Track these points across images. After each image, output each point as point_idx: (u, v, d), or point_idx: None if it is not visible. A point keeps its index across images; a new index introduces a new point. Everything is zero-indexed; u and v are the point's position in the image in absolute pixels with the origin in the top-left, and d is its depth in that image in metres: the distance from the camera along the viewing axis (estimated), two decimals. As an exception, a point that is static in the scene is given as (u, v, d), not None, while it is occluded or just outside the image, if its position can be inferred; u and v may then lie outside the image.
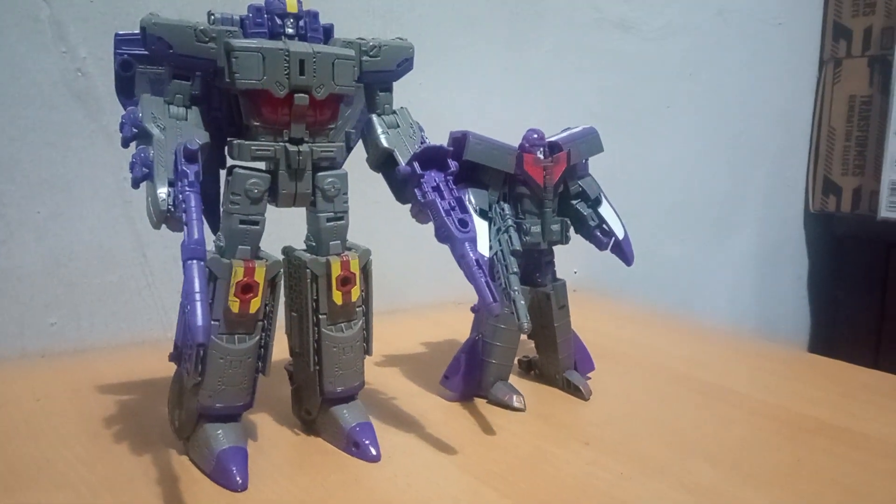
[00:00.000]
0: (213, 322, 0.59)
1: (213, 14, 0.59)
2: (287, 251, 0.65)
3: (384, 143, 0.64)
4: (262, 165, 0.61)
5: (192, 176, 0.51)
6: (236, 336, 0.60)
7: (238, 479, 0.58)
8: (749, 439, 0.71)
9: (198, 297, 0.46)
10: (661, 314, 1.21)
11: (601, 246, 0.81)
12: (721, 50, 1.53)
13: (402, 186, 0.64)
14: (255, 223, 0.60)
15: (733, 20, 1.54)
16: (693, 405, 0.79)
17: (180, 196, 0.50)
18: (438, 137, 0.71)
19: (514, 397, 0.76)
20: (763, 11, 1.58)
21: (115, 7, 0.87)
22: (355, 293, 0.64)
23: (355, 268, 0.63)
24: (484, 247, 0.70)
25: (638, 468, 0.63)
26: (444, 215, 0.60)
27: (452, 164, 0.64)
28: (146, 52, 0.56)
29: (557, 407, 0.78)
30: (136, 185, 0.53)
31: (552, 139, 0.79)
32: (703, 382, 0.86)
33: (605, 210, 0.81)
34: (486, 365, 0.78)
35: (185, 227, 0.49)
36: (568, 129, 0.82)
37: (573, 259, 1.38)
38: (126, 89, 0.59)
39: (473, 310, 0.79)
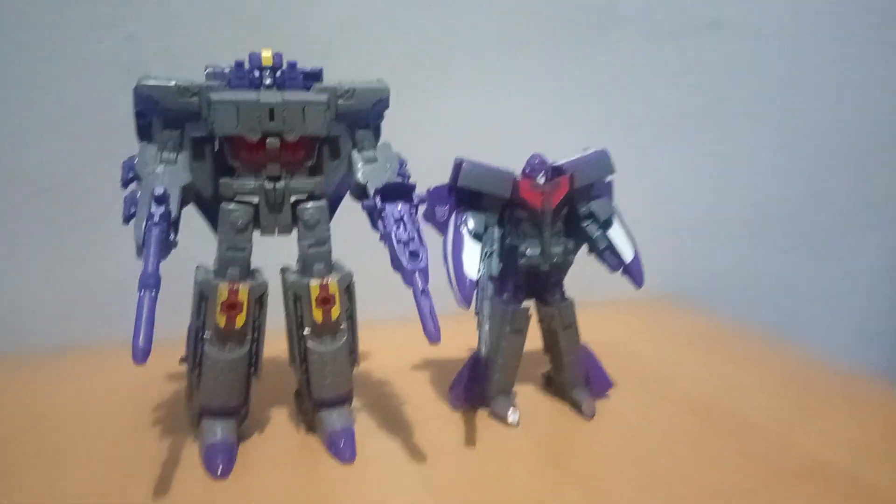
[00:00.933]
0: (205, 336, 0.69)
1: (208, 68, 0.68)
2: (282, 271, 0.74)
3: (358, 177, 0.70)
4: (249, 198, 0.69)
5: (157, 217, 0.60)
6: (227, 346, 0.70)
7: (219, 469, 0.68)
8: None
9: (143, 323, 0.56)
10: (740, 335, 1.14)
11: (610, 268, 0.81)
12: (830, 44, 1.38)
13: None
14: (242, 249, 0.69)
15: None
16: (704, 445, 0.76)
17: (144, 234, 0.60)
18: (503, 158, 0.76)
19: (510, 412, 0.79)
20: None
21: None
22: (335, 312, 0.71)
23: (334, 289, 0.70)
24: (472, 269, 0.74)
25: (591, 499, 0.65)
26: (394, 247, 0.65)
27: (420, 197, 0.68)
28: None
29: (554, 425, 0.80)
30: (125, 221, 0.63)
31: (559, 163, 0.80)
32: (734, 421, 0.81)
33: (614, 232, 0.81)
34: (489, 377, 0.82)
35: (143, 260, 0.58)
36: (586, 148, 0.82)
37: (658, 264, 1.34)
38: (144, 134, 0.69)
39: (478, 326, 0.83)
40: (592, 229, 0.80)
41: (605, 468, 0.70)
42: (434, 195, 0.78)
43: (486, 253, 0.75)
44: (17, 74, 0.97)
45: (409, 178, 0.72)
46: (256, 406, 0.79)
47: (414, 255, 0.64)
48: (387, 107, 0.71)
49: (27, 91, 0.98)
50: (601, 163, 0.81)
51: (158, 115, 0.66)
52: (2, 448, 0.74)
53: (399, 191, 0.68)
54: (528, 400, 0.86)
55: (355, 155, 0.71)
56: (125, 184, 0.65)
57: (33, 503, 0.64)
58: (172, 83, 0.65)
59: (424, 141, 1.08)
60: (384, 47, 1.12)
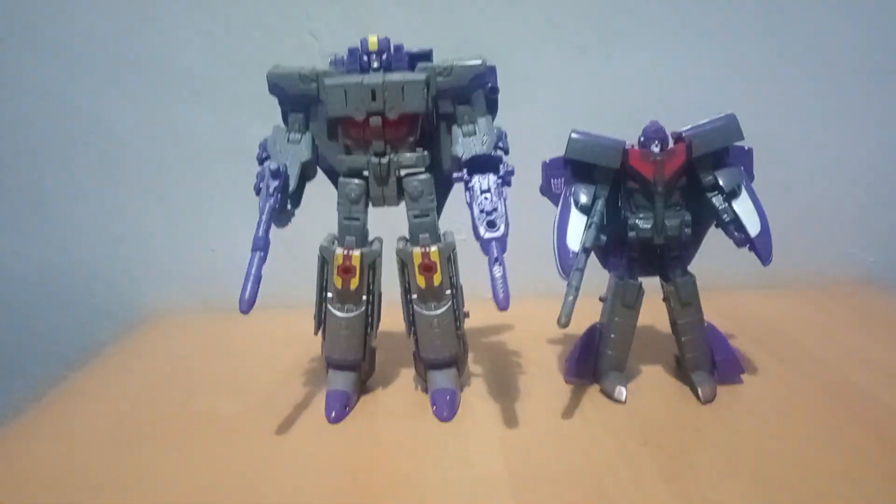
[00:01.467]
0: (328, 295, 0.78)
1: (330, 56, 0.76)
2: (398, 241, 0.80)
3: (455, 149, 0.74)
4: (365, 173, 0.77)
5: (272, 188, 0.70)
6: (346, 306, 0.78)
7: (332, 414, 0.76)
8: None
9: (251, 278, 0.66)
10: None
11: (737, 242, 0.76)
12: None
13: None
14: (356, 219, 0.76)
15: None
16: (831, 443, 0.68)
17: (261, 203, 0.70)
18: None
19: (618, 389, 0.78)
20: None
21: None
22: (437, 279, 0.76)
23: (435, 257, 0.75)
24: (574, 241, 0.74)
25: (670, 481, 0.63)
26: (474, 216, 0.68)
27: (508, 170, 0.70)
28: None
29: (665, 406, 0.77)
30: (256, 193, 0.74)
31: (680, 130, 0.76)
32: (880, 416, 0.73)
33: (741, 204, 0.75)
34: (601, 354, 0.81)
35: (257, 224, 0.68)
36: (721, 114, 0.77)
37: (871, 244, 1.19)
38: (285, 119, 0.79)
39: (601, 299, 0.83)
40: (718, 201, 0.76)
41: (701, 454, 0.67)
42: (549, 168, 0.79)
43: (587, 224, 0.74)
44: (222, 70, 1.15)
45: (507, 150, 0.74)
46: (382, 365, 0.87)
47: (491, 224, 0.67)
48: (485, 82, 0.74)
49: (228, 84, 1.15)
50: (727, 129, 0.75)
51: (286, 100, 0.75)
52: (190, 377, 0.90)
53: (487, 162, 0.70)
54: (650, 380, 0.83)
55: (455, 130, 0.75)
56: (260, 161, 0.75)
57: (198, 419, 0.78)
58: (294, 71, 0.74)
59: (556, 114, 1.09)
60: (545, 5, 1.12)
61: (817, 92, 1.14)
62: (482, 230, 0.67)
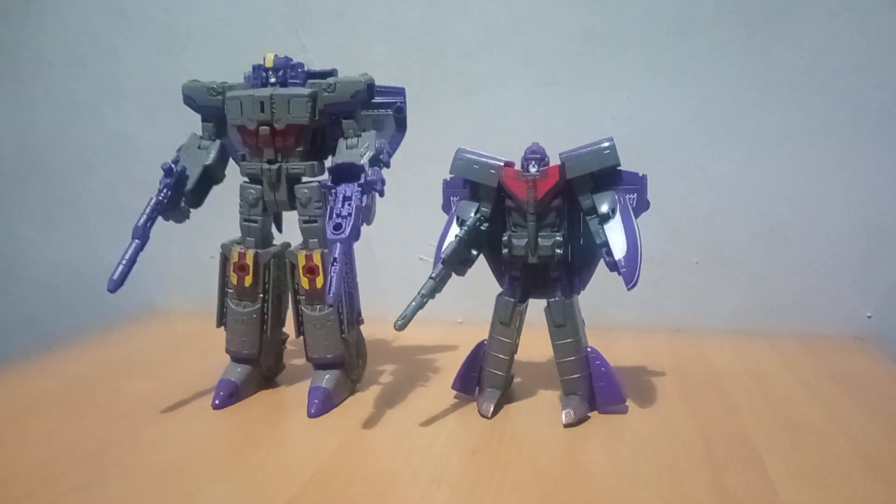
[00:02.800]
0: (228, 290, 0.84)
1: (245, 73, 0.84)
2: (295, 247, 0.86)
3: (332, 161, 0.79)
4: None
5: (162, 185, 0.78)
6: (242, 302, 0.84)
7: (216, 401, 0.82)
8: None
9: (123, 261, 0.74)
10: None
11: (608, 266, 0.75)
12: None
13: None
14: (255, 221, 0.83)
15: None
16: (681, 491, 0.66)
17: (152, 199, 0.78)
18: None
19: (486, 405, 0.79)
20: None
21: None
22: (320, 281, 0.80)
23: (318, 260, 0.80)
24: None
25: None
26: (327, 219, 0.72)
27: (369, 179, 0.74)
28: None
29: (524, 427, 0.76)
30: (159, 192, 0.82)
31: (561, 152, 0.77)
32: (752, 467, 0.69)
33: (611, 227, 0.75)
34: (483, 370, 0.82)
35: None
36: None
37: (868, 298, 1.11)
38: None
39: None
40: (593, 224, 0.76)
41: (517, 472, 0.66)
42: (448, 186, 0.83)
43: (455, 239, 0.76)
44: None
45: (387, 164, 0.78)
46: (305, 365, 0.91)
47: (337, 227, 0.71)
48: (366, 98, 0.79)
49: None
50: (602, 153, 0.76)
51: (198, 110, 0.84)
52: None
53: (350, 171, 0.75)
54: (538, 404, 0.82)
55: (340, 143, 0.80)
56: (165, 166, 0.83)
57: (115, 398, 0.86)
58: (204, 85, 0.82)
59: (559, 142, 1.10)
60: (524, 46, 1.16)
61: (813, 139, 1.09)
62: (329, 231, 0.71)
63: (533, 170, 0.76)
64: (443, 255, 0.74)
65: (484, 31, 1.16)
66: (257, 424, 0.78)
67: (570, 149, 0.77)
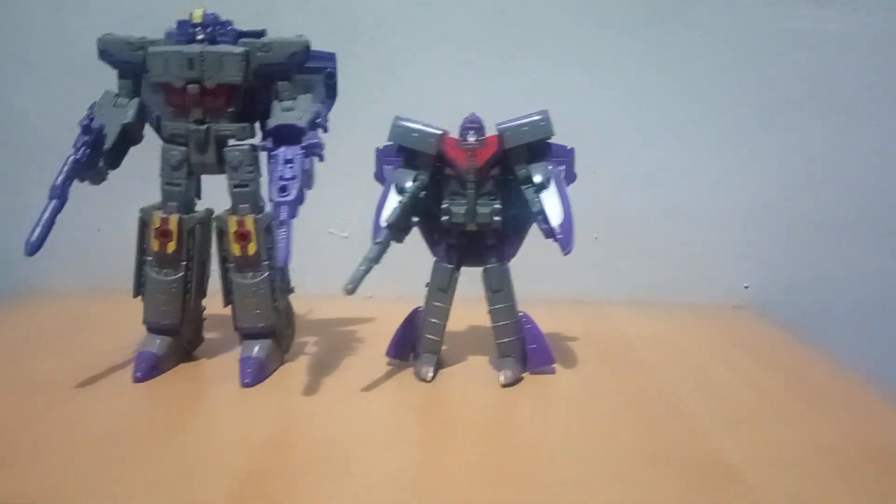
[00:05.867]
0: (146, 258, 0.80)
1: (167, 29, 0.79)
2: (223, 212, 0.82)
3: (269, 123, 0.76)
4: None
5: (80, 143, 0.72)
6: (164, 271, 0.80)
7: (138, 374, 0.77)
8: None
9: (41, 223, 0.68)
10: (799, 355, 0.96)
11: (544, 233, 0.78)
12: None
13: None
14: (178, 185, 0.79)
15: None
16: (618, 437, 0.68)
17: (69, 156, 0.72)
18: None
19: (425, 370, 0.80)
20: None
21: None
22: (252, 248, 0.77)
23: (250, 226, 0.77)
24: (385, 217, 0.77)
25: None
26: (273, 182, 0.70)
27: (311, 142, 0.73)
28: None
29: (464, 389, 0.78)
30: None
31: (498, 123, 0.79)
32: (677, 421, 0.74)
33: (547, 196, 0.77)
34: (419, 336, 0.83)
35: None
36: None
37: (746, 271, 1.21)
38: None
39: (426, 285, 0.84)
40: (529, 193, 0.78)
41: (462, 429, 0.68)
42: (382, 154, 0.82)
43: (396, 204, 0.76)
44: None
45: (325, 128, 0.77)
46: (217, 336, 0.88)
47: (283, 189, 0.69)
48: (304, 60, 0.77)
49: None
50: (537, 124, 0.78)
51: (115, 65, 0.78)
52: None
53: (292, 133, 0.73)
54: (468, 367, 0.84)
55: (274, 104, 0.77)
56: (83, 123, 0.77)
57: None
58: (123, 39, 0.77)
59: (469, 109, 1.11)
60: (438, 22, 1.16)
61: (702, 125, 1.17)
62: (274, 194, 0.69)
63: (472, 139, 0.77)
64: (387, 221, 0.74)
65: (399, 3, 1.16)
66: (187, 396, 0.75)
67: (507, 120, 0.79)
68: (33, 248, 0.67)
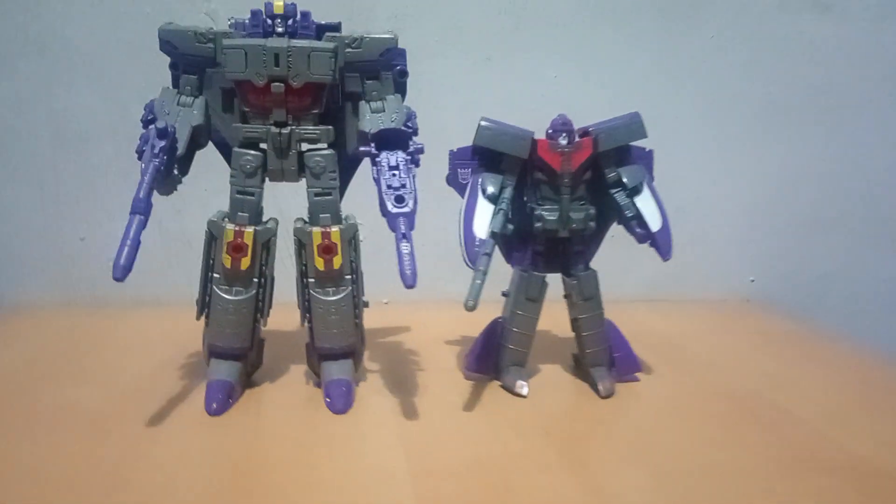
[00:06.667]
0: (215, 275, 0.72)
1: (231, 19, 0.71)
2: (295, 221, 0.75)
3: (361, 125, 0.70)
4: (263, 145, 0.72)
5: (157, 149, 0.63)
6: (234, 289, 0.72)
7: (213, 406, 0.69)
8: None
9: (128, 242, 0.59)
10: (820, 342, 1.01)
11: (638, 238, 0.76)
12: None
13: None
14: (251, 194, 0.71)
15: None
16: (727, 433, 0.69)
17: (143, 165, 0.63)
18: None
19: (519, 383, 0.76)
20: None
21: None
22: (337, 262, 0.71)
23: (336, 238, 0.71)
24: (481, 229, 0.72)
25: (575, 471, 0.61)
26: (384, 192, 0.64)
27: (417, 147, 0.68)
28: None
29: (565, 401, 0.75)
30: (138, 157, 0.67)
31: (587, 125, 0.76)
32: (772, 413, 0.74)
33: (643, 200, 0.76)
34: (502, 348, 0.79)
35: (137, 186, 0.61)
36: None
37: (751, 265, 1.25)
38: (177, 84, 0.73)
39: (503, 294, 0.81)
40: (620, 197, 0.76)
41: (607, 447, 0.66)
42: (456, 157, 0.77)
43: (495, 211, 0.72)
44: (95, 52, 1.06)
45: (416, 131, 0.71)
46: (271, 357, 0.81)
47: (399, 199, 0.64)
48: (395, 57, 0.71)
49: (103, 72, 1.06)
50: (631, 126, 0.76)
51: (179, 60, 0.70)
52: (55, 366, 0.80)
53: (396, 139, 0.67)
54: (550, 378, 0.82)
55: (363, 105, 0.71)
56: (144, 124, 0.69)
57: (54, 411, 0.69)
58: (189, 29, 0.68)
59: (484, 108, 1.08)
60: (454, 16, 1.12)
61: (710, 124, 1.19)
62: (390, 205, 0.63)
63: (563, 142, 0.75)
64: (493, 229, 0.70)
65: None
66: (284, 427, 0.68)
67: (599, 122, 0.76)
68: (123, 272, 0.58)
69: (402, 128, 0.68)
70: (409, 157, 0.67)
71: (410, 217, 0.63)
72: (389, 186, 0.65)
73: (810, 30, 1.18)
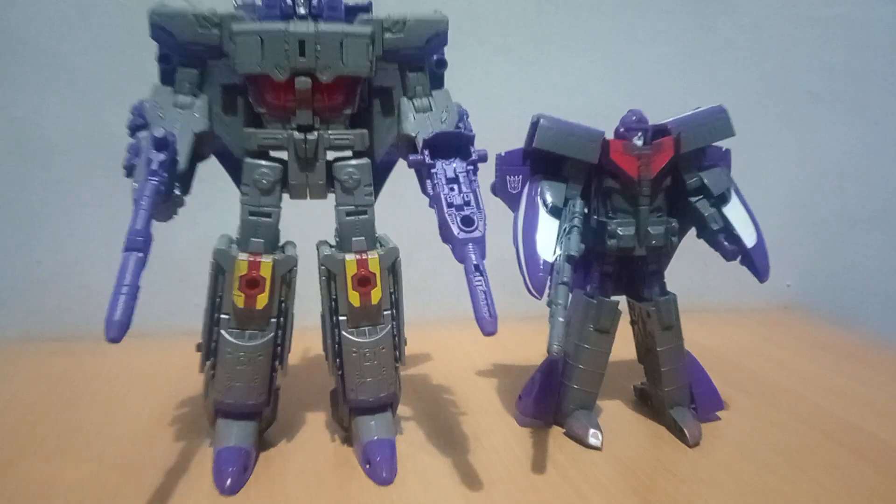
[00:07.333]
0: (222, 316, 0.57)
1: (236, 0, 0.57)
2: (319, 245, 0.62)
3: (406, 127, 0.57)
4: (281, 154, 0.58)
5: (156, 164, 0.49)
6: (247, 332, 0.58)
7: (227, 482, 0.55)
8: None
9: (124, 290, 0.44)
10: (882, 353, 0.93)
11: (727, 255, 0.65)
12: None
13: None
14: (267, 215, 0.57)
15: None
16: (837, 475, 0.59)
17: (137, 185, 0.49)
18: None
19: (591, 432, 0.64)
20: None
21: None
22: (376, 295, 0.58)
23: (375, 267, 0.57)
24: (547, 250, 0.60)
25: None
26: (444, 211, 0.51)
27: (480, 153, 0.55)
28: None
29: (648, 452, 0.64)
30: (126, 173, 0.53)
31: (663, 122, 0.64)
32: (872, 445, 0.64)
33: (732, 210, 0.64)
34: (565, 389, 0.67)
35: (132, 214, 0.47)
36: (698, 107, 0.67)
37: (787, 268, 1.15)
38: (167, 79, 0.59)
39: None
40: (704, 206, 0.64)
41: (714, 510, 0.54)
42: (505, 163, 0.65)
43: (564, 230, 0.60)
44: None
45: (470, 132, 0.58)
46: (285, 408, 0.67)
47: (467, 221, 0.51)
48: (444, 43, 0.58)
49: (71, 71, 0.91)
50: (717, 123, 0.65)
51: (174, 50, 0.55)
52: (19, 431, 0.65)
53: (454, 144, 0.54)
54: (616, 419, 0.70)
55: (405, 103, 0.58)
56: (133, 130, 0.55)
57: (29, 492, 0.55)
58: (189, 12, 0.54)
59: (511, 108, 0.96)
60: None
61: (743, 113, 1.08)
62: (455, 230, 0.50)
63: (639, 142, 0.63)
64: (568, 251, 0.57)
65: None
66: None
67: (678, 117, 0.65)
68: (120, 330, 0.44)
69: (462, 131, 0.55)
70: (470, 167, 0.54)
71: (482, 243, 0.50)
72: (451, 205, 0.52)
73: (856, 13, 1.09)
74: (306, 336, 0.68)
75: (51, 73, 0.90)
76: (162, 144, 0.50)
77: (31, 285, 0.95)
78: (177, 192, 0.53)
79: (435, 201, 0.53)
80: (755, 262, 0.63)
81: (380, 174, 0.63)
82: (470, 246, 0.50)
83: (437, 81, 0.63)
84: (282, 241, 0.61)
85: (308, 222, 0.63)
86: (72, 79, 0.90)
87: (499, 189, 0.65)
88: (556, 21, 1.02)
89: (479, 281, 0.48)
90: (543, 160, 0.64)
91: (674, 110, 0.94)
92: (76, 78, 0.90)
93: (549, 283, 0.58)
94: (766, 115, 1.11)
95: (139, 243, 0.46)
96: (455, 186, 0.53)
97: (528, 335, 0.72)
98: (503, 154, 0.65)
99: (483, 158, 0.55)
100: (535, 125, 0.63)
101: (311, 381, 0.74)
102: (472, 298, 0.48)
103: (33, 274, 0.95)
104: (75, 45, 0.90)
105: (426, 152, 0.54)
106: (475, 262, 0.49)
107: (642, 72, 1.05)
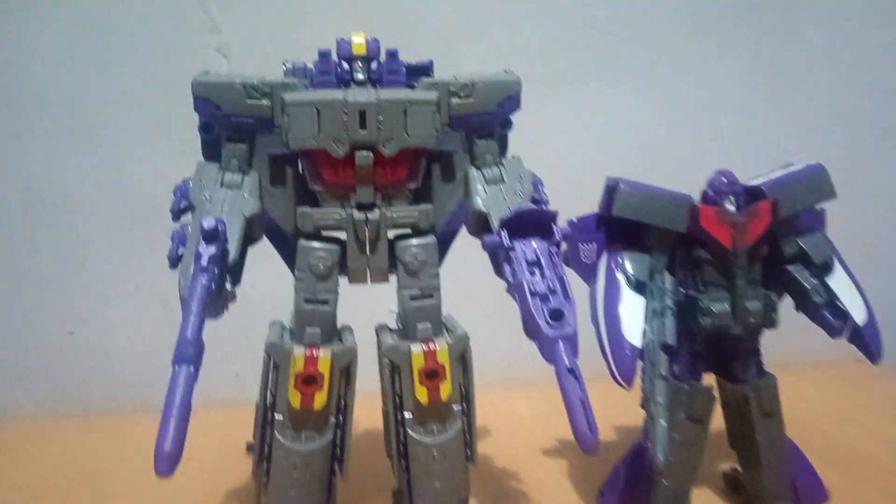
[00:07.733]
0: (276, 416, 0.51)
1: (286, 64, 0.52)
2: (378, 331, 0.55)
3: (477, 203, 0.51)
4: (338, 233, 0.52)
5: (206, 260, 0.43)
6: (303, 434, 0.52)
7: None
8: None
9: (173, 413, 0.38)
10: None
11: (832, 332, 0.58)
12: None
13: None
14: (325, 302, 0.51)
15: None
16: None
17: (184, 282, 0.43)
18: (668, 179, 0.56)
19: (689, 538, 0.57)
20: None
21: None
22: (445, 390, 0.51)
23: (444, 359, 0.51)
24: (634, 332, 0.53)
25: None
26: (528, 303, 0.45)
27: (562, 231, 0.49)
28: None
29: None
30: (172, 265, 0.47)
31: (754, 183, 0.58)
32: None
33: (837, 281, 0.57)
34: (655, 485, 0.59)
35: (182, 320, 0.41)
36: (789, 164, 0.60)
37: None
38: (210, 152, 0.54)
39: (641, 405, 0.61)
40: (804, 276, 0.58)
41: None
42: (578, 229, 0.58)
43: (653, 310, 0.53)
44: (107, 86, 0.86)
45: (547, 204, 0.52)
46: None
47: (556, 315, 0.44)
48: (517, 107, 0.53)
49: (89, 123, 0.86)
50: (817, 183, 0.58)
51: (220, 123, 0.50)
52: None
53: (534, 221, 0.48)
54: (710, 510, 0.62)
55: (474, 174, 0.52)
56: (176, 215, 0.49)
57: None
58: (237, 81, 0.49)
59: (559, 155, 0.89)
60: (512, 35, 0.93)
61: (808, 144, 1.03)
62: (542, 324, 0.44)
63: (731, 207, 0.56)
64: (664, 340, 0.51)
65: (464, 12, 0.92)
66: None
67: (770, 178, 0.58)
68: (171, 463, 0.38)
69: (543, 206, 0.49)
70: (553, 248, 0.48)
71: (574, 341, 0.44)
72: (535, 293, 0.45)
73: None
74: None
75: (65, 124, 0.86)
76: (212, 236, 0.44)
77: (61, 357, 0.90)
78: (227, 286, 0.47)
79: (516, 290, 0.47)
80: (867, 340, 0.56)
81: (441, 246, 0.57)
82: (561, 344, 0.43)
83: (503, 144, 0.57)
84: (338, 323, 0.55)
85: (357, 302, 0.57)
86: (88, 129, 0.86)
87: (572, 259, 0.59)
88: (606, 55, 0.96)
89: (575, 387, 0.42)
90: (620, 226, 0.58)
91: (736, 147, 0.88)
92: (92, 128, 0.87)
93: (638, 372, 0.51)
94: (833, 152, 1.04)
95: (190, 355, 0.40)
96: (537, 270, 0.47)
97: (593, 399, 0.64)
98: (575, 221, 0.59)
99: (567, 237, 0.49)
100: (612, 190, 0.57)
101: (369, 479, 0.67)
102: (568, 409, 0.42)
103: (63, 344, 0.90)
104: (91, 94, 0.86)
105: (504, 232, 0.48)
106: (569, 366, 0.42)
107: (700, 108, 0.99)
